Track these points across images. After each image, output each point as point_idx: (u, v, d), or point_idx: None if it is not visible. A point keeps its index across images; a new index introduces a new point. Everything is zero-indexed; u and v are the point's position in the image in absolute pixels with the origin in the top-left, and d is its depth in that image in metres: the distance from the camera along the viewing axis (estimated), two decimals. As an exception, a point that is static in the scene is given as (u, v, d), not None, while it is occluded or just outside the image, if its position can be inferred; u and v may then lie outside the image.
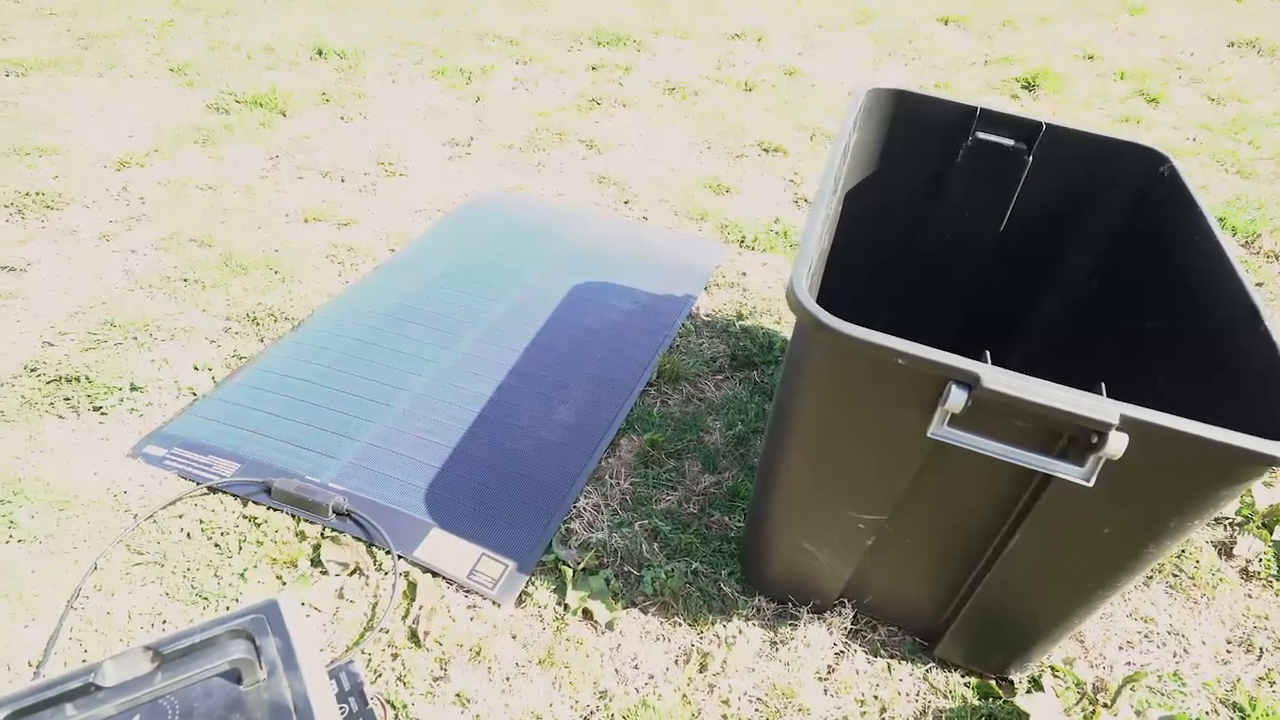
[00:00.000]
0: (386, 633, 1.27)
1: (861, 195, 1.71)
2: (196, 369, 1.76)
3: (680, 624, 1.33)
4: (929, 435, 0.95)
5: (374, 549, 1.39)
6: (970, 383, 0.89)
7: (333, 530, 1.41)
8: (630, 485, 1.56)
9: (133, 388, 1.68)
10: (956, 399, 0.89)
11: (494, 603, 1.33)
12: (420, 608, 1.30)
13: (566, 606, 1.33)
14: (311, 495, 1.43)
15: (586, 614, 1.32)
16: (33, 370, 1.70)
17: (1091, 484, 0.91)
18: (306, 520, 1.42)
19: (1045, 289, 1.64)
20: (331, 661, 1.20)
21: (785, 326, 2.03)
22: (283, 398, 1.69)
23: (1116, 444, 0.86)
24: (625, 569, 1.40)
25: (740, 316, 2.08)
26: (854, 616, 1.33)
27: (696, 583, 1.39)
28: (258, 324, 1.92)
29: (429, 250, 2.25)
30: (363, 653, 1.23)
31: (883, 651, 1.32)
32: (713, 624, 1.33)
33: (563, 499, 1.51)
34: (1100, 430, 0.86)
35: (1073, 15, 4.90)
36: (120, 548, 1.36)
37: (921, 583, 1.24)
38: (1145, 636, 1.39)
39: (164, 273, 2.05)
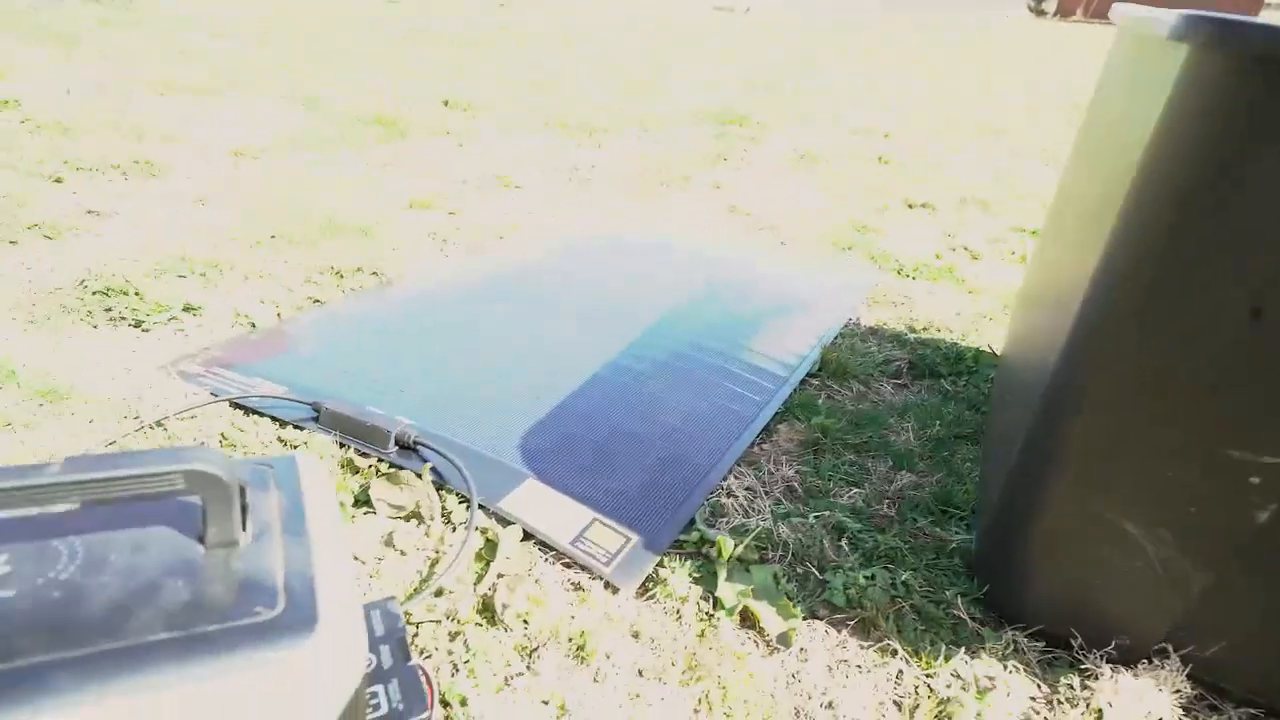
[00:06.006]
0: (442, 595, 0.83)
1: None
2: (262, 303, 1.47)
3: (893, 652, 0.84)
4: None
5: (444, 493, 0.98)
6: None
7: (391, 465, 1.02)
8: (795, 473, 1.12)
9: (186, 308, 1.39)
10: None
11: (608, 585, 0.88)
12: (500, 575, 0.87)
13: (718, 602, 0.87)
14: (370, 420, 1.05)
15: (746, 618, 0.86)
16: (81, 282, 1.45)
17: None
18: (359, 451, 1.04)
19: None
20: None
21: (974, 342, 1.61)
22: (358, 334, 1.37)
23: None
24: (801, 568, 0.94)
25: (912, 330, 1.68)
26: (1185, 675, 0.82)
27: (909, 599, 0.91)
28: (342, 277, 1.64)
29: (552, 241, 1.98)
30: (409, 622, 0.80)
31: (1241, 743, 0.79)
32: (945, 660, 0.83)
33: (706, 475, 1.08)
34: None
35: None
36: (111, 450, 1.00)
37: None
38: None
39: (254, 231, 1.83)
